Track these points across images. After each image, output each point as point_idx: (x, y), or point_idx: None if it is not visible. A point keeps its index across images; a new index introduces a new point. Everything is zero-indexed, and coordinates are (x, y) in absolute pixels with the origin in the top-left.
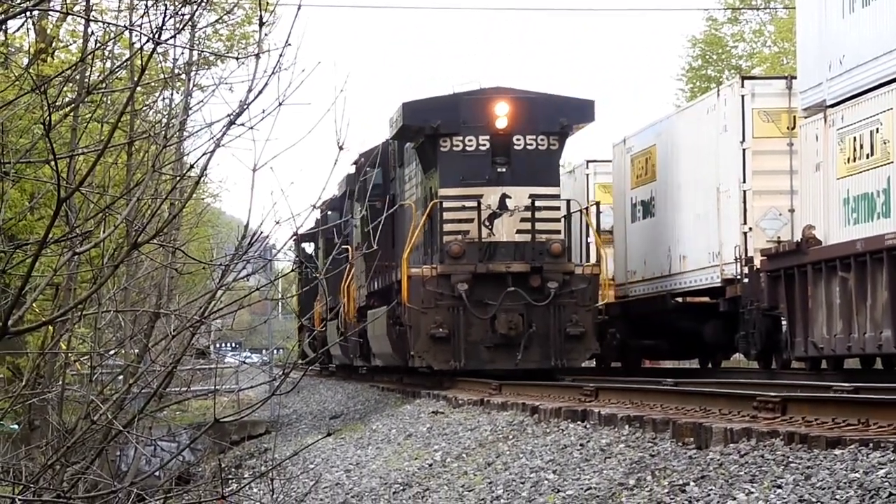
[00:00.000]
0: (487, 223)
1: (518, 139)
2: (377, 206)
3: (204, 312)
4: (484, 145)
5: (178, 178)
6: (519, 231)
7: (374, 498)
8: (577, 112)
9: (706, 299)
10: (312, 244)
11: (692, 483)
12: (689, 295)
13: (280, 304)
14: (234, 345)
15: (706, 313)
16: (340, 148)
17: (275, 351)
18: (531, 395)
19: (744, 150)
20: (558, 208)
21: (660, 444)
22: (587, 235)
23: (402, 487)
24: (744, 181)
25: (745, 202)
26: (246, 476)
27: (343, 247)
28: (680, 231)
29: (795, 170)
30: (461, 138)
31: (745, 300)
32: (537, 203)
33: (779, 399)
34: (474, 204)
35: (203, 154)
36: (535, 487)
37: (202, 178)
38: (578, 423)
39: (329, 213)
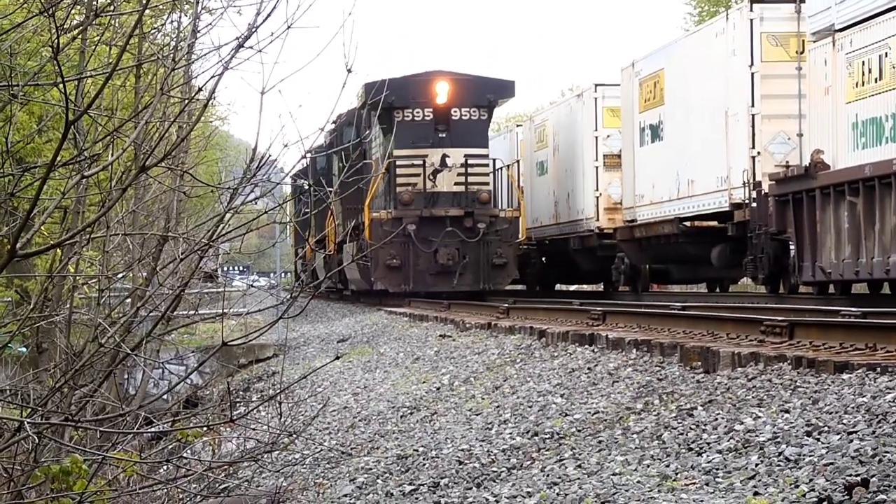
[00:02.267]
0: (431, 177)
1: (455, 111)
2: (352, 157)
3: (212, 236)
4: (428, 116)
5: (186, 101)
6: (456, 183)
7: (382, 421)
8: (501, 89)
9: (714, 223)
10: (305, 181)
11: (699, 407)
12: (698, 219)
13: (288, 227)
14: (241, 268)
15: (714, 238)
16: (349, 71)
17: (283, 274)
18: (539, 319)
19: (752, 74)
20: (487, 165)
21: (667, 369)
22: (517, 186)
23: (409, 411)
24: (752, 105)
25: (753, 126)
26: (254, 399)
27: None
28: (688, 155)
29: (804, 94)
30: (411, 110)
31: (753, 225)
32: (470, 161)
33: (786, 323)
34: (421, 162)
35: (211, 77)
36: (542, 411)
37: (210, 102)
38: (586, 346)
39: (316, 157)
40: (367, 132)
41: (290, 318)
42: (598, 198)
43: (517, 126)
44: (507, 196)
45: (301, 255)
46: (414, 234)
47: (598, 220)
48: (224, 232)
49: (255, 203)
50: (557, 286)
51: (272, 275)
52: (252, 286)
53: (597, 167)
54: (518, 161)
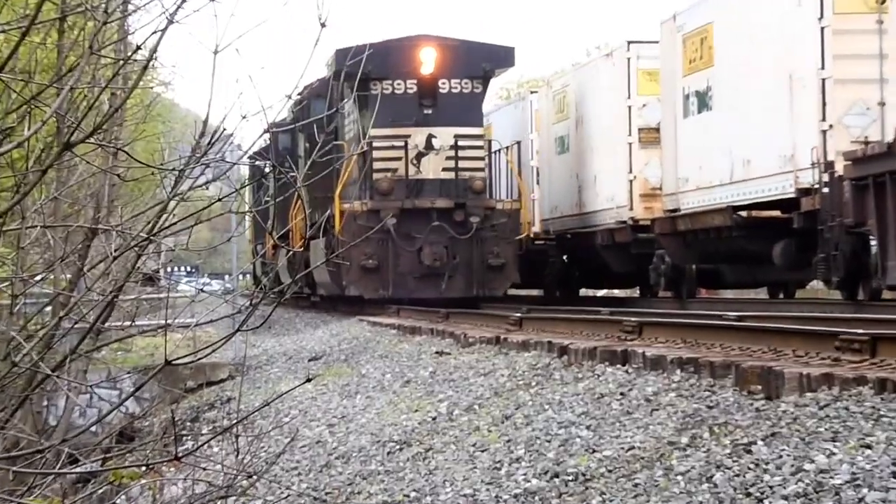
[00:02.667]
0: (415, 161)
1: (443, 83)
2: (322, 136)
3: (152, 228)
4: (412, 89)
5: (121, 63)
6: (444, 169)
7: (364, 459)
8: (498, 57)
9: (776, 213)
10: (265, 163)
11: (760, 442)
12: (755, 208)
13: (247, 218)
14: (189, 269)
15: (776, 231)
16: (323, 25)
17: (240, 276)
18: (559, 332)
19: (822, 28)
20: (481, 147)
21: (719, 394)
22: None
23: (398, 446)
24: (822, 67)
25: (823, 93)
26: (205, 432)
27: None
28: (744, 129)
29: (886, 54)
30: (391, 82)
31: (824, 215)
32: (461, 143)
33: (867, 338)
34: (402, 144)
35: (152, 33)
36: (564, 447)
37: (151, 63)
38: (618, 366)
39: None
40: (340, 107)
41: (250, 330)
42: (631, 182)
43: (531, 93)
44: (507, 184)
45: (261, 254)
46: (394, 229)
47: (631, 209)
48: (168, 224)
49: (207, 188)
50: (582, 291)
51: (227, 277)
52: (202, 291)
53: (630, 144)
54: (518, 143)
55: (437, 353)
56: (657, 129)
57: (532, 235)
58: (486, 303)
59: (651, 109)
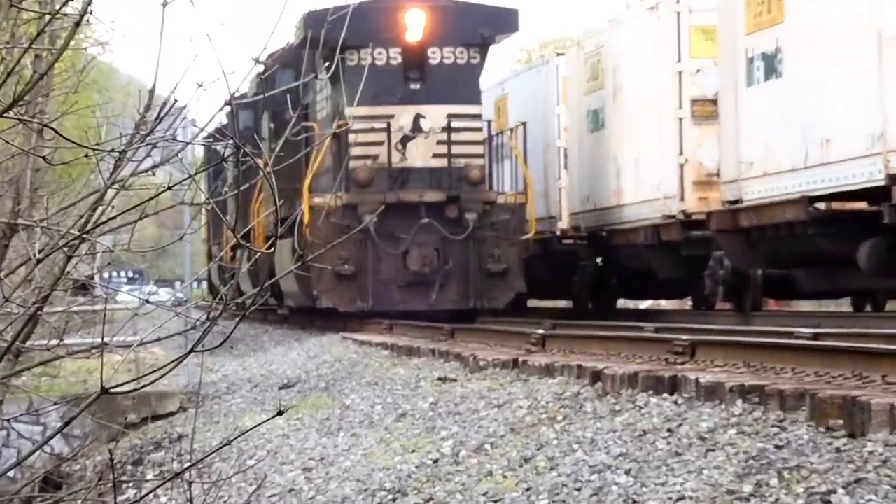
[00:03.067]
0: (399, 147)
1: (434, 52)
2: (287, 116)
3: (86, 224)
4: (395, 59)
5: (47, 19)
6: (435, 155)
7: None
8: (499, 21)
9: (862, 205)
10: (223, 145)
11: (840, 490)
12: (837, 199)
13: (203, 210)
14: (132, 274)
15: (862, 228)
16: None
17: (194, 284)
18: (592, 353)
19: None
20: (479, 129)
21: (790, 430)
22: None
23: (390, 496)
24: None
25: None
26: (150, 478)
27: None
28: (821, 100)
29: None
30: (370, 51)
31: None
32: (454, 124)
33: None
34: (384, 125)
35: None
36: (597, 496)
37: (85, 18)
38: (665, 396)
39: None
40: (311, 80)
41: (207, 351)
42: (682, 166)
43: (558, 55)
44: (511, 174)
45: (218, 257)
46: (374, 228)
47: (682, 200)
48: (105, 218)
49: (153, 174)
50: (620, 302)
51: (178, 285)
52: (148, 302)
53: (681, 119)
54: (524, 124)
55: (439, 379)
56: (714, 101)
57: (559, 233)
58: (496, 317)
59: (707, 76)
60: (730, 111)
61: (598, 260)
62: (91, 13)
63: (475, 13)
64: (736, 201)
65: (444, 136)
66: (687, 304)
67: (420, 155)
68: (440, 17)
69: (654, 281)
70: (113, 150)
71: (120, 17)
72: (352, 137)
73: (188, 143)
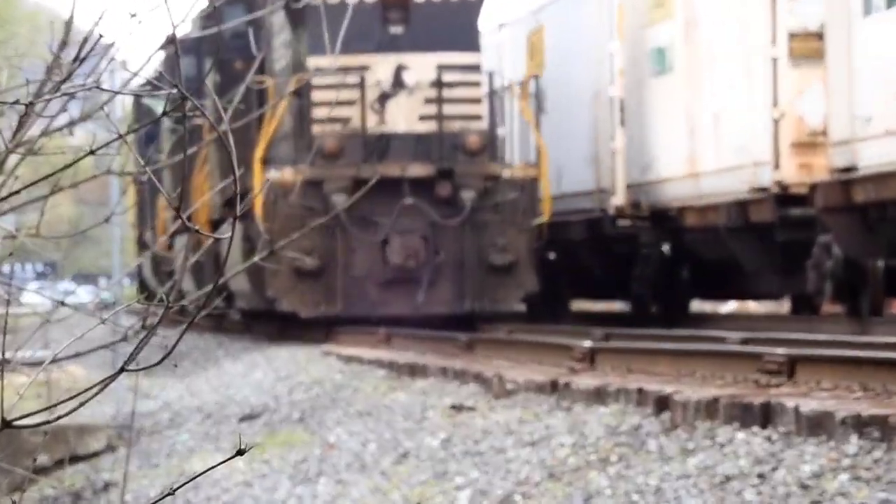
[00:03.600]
0: (377, 107)
1: None
2: (237, 66)
3: None
4: None
5: None
6: (422, 117)
7: None
8: None
9: None
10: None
11: None
12: None
13: (131, 186)
14: (42, 267)
15: None
16: None
17: (125, 281)
18: (656, 373)
19: None
20: (477, 84)
21: None
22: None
23: None
24: None
25: None
26: None
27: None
28: None
29: None
30: None
31: None
32: (447, 77)
33: None
34: (358, 79)
35: None
36: None
37: None
38: (754, 429)
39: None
40: (267, 18)
41: (143, 370)
42: (776, 122)
43: None
44: (520, 140)
45: (149, 245)
46: (345, 211)
47: (777, 167)
48: (6, 193)
49: (70, 133)
50: (695, 304)
51: (104, 281)
52: (63, 304)
53: (775, 60)
54: (535, 77)
55: (452, 407)
56: (819, 36)
57: (613, 211)
58: (527, 323)
59: (809, 2)
60: (840, 49)
61: (665, 248)
62: None
63: None
64: (849, 168)
65: (433, 93)
66: (784, 306)
67: (403, 117)
68: None
69: (741, 275)
70: (16, 102)
71: None
72: (316, 95)
73: (117, 93)
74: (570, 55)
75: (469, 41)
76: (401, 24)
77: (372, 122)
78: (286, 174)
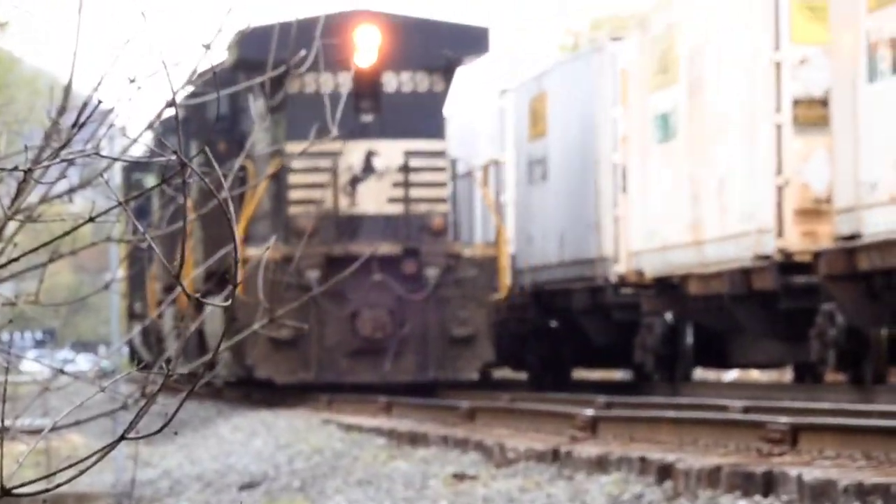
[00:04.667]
0: (349, 189)
1: (389, 77)
2: (221, 148)
3: None
4: (345, 85)
5: None
6: (390, 200)
7: None
8: (466, 41)
9: None
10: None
11: None
12: None
13: (147, 250)
14: (40, 335)
15: None
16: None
17: (123, 348)
18: (659, 441)
19: None
20: (442, 169)
21: None
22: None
23: None
24: None
25: None
26: None
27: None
28: None
29: None
30: (315, 76)
31: None
32: (413, 163)
33: None
34: (330, 163)
35: None
36: None
37: None
38: (756, 498)
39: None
40: (247, 107)
41: (143, 438)
42: (781, 189)
43: (614, 40)
44: (482, 221)
45: (139, 314)
46: (318, 286)
47: (780, 234)
48: (4, 260)
49: (69, 200)
50: (698, 372)
51: (103, 349)
52: (62, 372)
53: (779, 126)
54: (495, 163)
55: (454, 476)
56: (824, 102)
57: (615, 279)
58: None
59: (814, 68)
60: (846, 115)
61: (668, 316)
62: None
63: (438, 32)
64: (854, 236)
65: (401, 178)
66: (787, 375)
67: (373, 199)
68: (396, 37)
69: (744, 343)
70: (15, 168)
71: None
72: (292, 178)
73: (116, 160)
74: (572, 121)
75: (434, 129)
76: (371, 112)
77: (344, 203)
78: (265, 251)
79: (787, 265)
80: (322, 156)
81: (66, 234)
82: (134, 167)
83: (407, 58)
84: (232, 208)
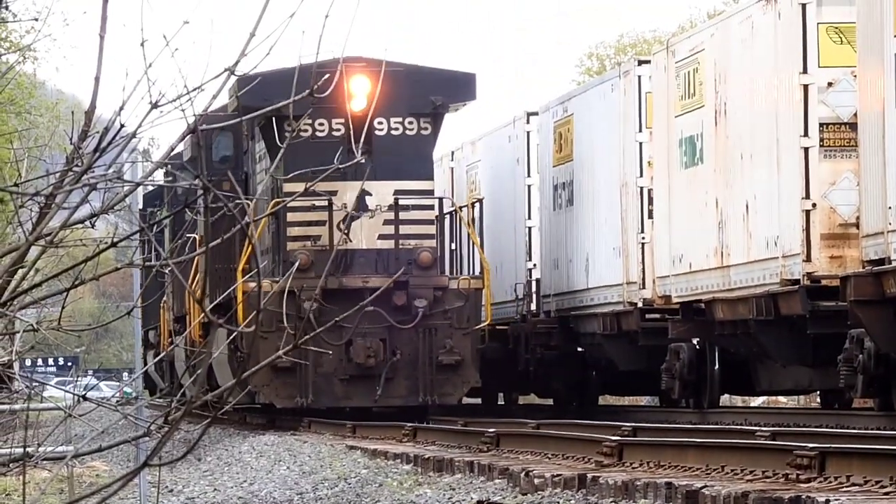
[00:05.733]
0: (343, 227)
1: (381, 123)
2: (225, 187)
3: (1, 294)
4: (339, 130)
5: None
6: (382, 236)
7: None
8: (454, 88)
9: None
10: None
11: None
12: None
13: (159, 273)
14: (63, 362)
15: None
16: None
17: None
18: (686, 467)
19: None
20: (430, 207)
21: None
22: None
23: None
24: None
25: None
26: None
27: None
28: None
29: None
30: (311, 122)
31: None
32: (404, 202)
33: None
34: (326, 203)
35: None
36: None
37: None
38: None
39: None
40: (250, 142)
41: (166, 465)
42: (808, 213)
43: (640, 63)
44: (468, 256)
45: (155, 342)
46: (315, 316)
47: (807, 259)
48: (27, 286)
49: (91, 225)
50: (725, 397)
51: (126, 375)
52: (85, 398)
53: (806, 150)
54: (480, 201)
55: (479, 502)
56: (852, 126)
57: (641, 304)
58: (555, 418)
59: (842, 92)
60: (874, 139)
61: (695, 341)
62: (6, 7)
63: (427, 79)
64: (881, 261)
65: (391, 215)
66: (815, 400)
67: (365, 236)
68: (387, 84)
69: (770, 369)
70: (37, 194)
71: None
72: (290, 216)
73: (139, 184)
74: (598, 145)
75: (423, 170)
76: (365, 154)
77: (339, 239)
78: (264, 284)
79: (815, 290)
80: (318, 195)
81: (89, 259)
82: (149, 201)
83: (397, 104)
84: (237, 243)
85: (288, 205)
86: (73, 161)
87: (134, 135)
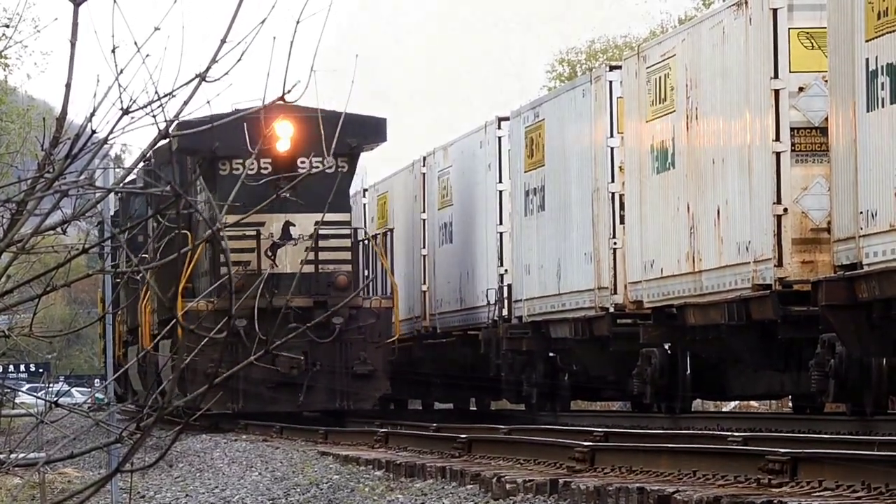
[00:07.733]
0: (269, 253)
1: (303, 162)
2: (172, 214)
3: None
4: (266, 168)
5: None
6: (304, 262)
7: None
8: (367, 131)
9: None
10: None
11: None
12: None
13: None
14: (34, 368)
15: None
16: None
17: (116, 381)
18: (657, 472)
19: None
20: (347, 236)
21: None
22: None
23: None
24: None
25: None
26: None
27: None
28: None
29: None
30: (241, 161)
31: None
32: (322, 231)
33: None
34: (255, 232)
35: None
36: None
37: None
38: None
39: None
40: (193, 175)
41: (138, 471)
42: (779, 219)
43: (611, 69)
44: (381, 278)
45: (125, 349)
46: (245, 332)
47: (779, 264)
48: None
49: (63, 232)
50: (697, 402)
51: (97, 382)
52: (56, 405)
53: (778, 155)
54: (390, 231)
55: None
56: (823, 130)
57: (612, 309)
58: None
59: (813, 97)
60: (845, 144)
61: (667, 346)
62: None
63: (344, 123)
64: (853, 265)
65: (311, 244)
66: (787, 405)
67: (290, 261)
68: (308, 128)
69: (742, 374)
70: (9, 200)
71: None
72: (223, 245)
73: (111, 191)
74: (569, 150)
75: (341, 204)
76: (289, 191)
77: (266, 265)
78: (200, 304)
79: (786, 295)
80: (248, 226)
81: (60, 265)
82: (134, 197)
83: (317, 145)
84: (180, 264)
85: (222, 234)
86: (45, 167)
87: (105, 141)
